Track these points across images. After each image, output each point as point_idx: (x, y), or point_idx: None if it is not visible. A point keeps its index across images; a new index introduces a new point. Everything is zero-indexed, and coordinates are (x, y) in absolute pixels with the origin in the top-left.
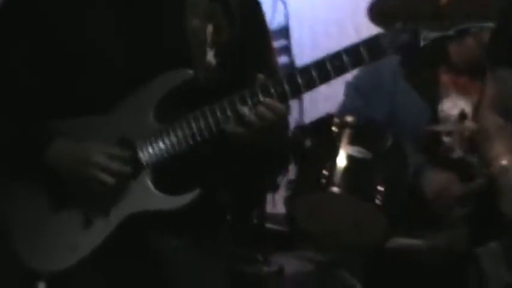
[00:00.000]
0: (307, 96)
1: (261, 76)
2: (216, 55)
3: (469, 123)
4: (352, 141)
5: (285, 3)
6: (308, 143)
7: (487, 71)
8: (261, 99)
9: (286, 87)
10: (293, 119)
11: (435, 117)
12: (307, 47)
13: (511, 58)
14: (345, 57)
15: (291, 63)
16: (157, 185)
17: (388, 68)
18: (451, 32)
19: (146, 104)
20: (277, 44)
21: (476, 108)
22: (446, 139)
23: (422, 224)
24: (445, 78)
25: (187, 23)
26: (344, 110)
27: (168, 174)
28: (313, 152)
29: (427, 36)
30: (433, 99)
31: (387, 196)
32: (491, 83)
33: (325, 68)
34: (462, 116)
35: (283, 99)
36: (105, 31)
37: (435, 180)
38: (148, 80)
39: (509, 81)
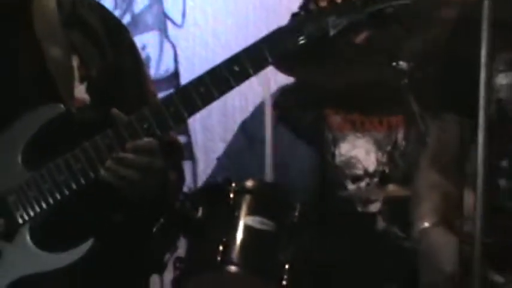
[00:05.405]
0: (202, 156)
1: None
2: (88, 91)
3: (393, 188)
4: (253, 211)
5: (173, 45)
6: (200, 212)
7: (431, 117)
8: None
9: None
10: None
11: (326, 164)
12: None
13: (460, 101)
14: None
15: None
16: (44, 242)
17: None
18: (363, 16)
19: (13, 146)
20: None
21: (390, 153)
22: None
23: None
24: (336, 119)
25: (45, 53)
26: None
27: (54, 229)
28: (206, 223)
29: (336, 23)
30: (322, 143)
31: (295, 276)
32: (433, 133)
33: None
34: (384, 178)
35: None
36: None
37: None
38: (11, 119)
39: (450, 129)
